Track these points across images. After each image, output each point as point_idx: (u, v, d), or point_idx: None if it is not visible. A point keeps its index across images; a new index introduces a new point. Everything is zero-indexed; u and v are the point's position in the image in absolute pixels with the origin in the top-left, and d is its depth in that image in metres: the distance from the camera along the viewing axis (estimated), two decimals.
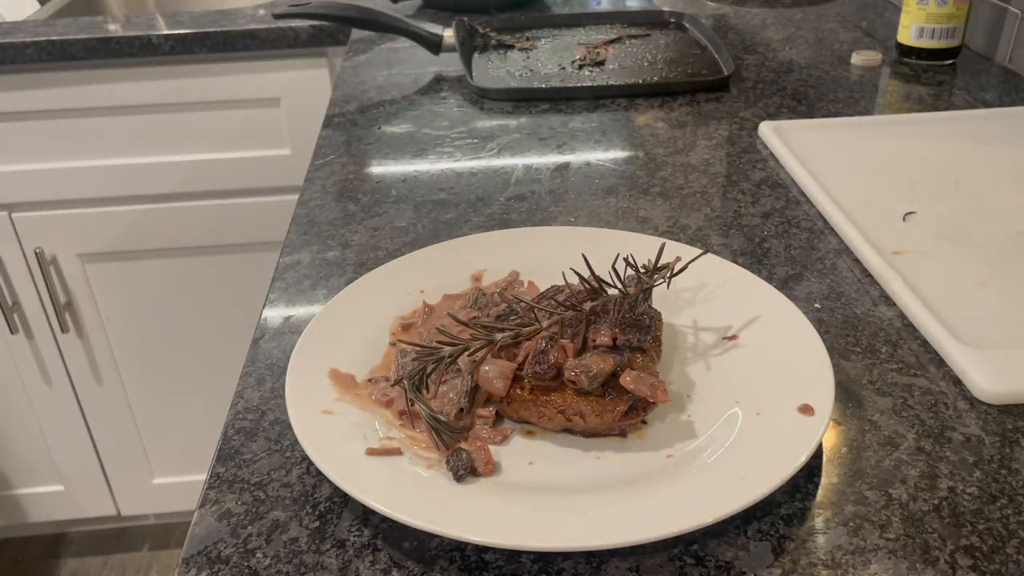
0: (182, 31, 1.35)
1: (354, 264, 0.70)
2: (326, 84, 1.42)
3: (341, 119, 0.99)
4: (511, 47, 1.22)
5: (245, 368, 0.58)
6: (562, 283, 0.57)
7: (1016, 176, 0.81)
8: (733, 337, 0.57)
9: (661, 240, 0.62)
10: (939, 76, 1.07)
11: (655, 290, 0.58)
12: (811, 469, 0.48)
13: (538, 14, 1.36)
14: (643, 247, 0.65)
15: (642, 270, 0.58)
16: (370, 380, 0.54)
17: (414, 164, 0.88)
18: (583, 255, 0.58)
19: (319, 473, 0.49)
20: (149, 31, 1.35)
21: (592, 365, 0.50)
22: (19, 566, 1.78)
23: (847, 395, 0.54)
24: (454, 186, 0.83)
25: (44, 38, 1.33)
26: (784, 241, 0.72)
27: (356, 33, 1.31)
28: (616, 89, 1.04)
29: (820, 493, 0.47)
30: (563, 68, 1.12)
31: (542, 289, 0.62)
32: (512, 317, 0.54)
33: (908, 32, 1.09)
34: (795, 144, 0.87)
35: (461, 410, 0.51)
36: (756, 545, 0.44)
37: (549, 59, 1.16)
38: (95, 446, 1.65)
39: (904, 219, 0.73)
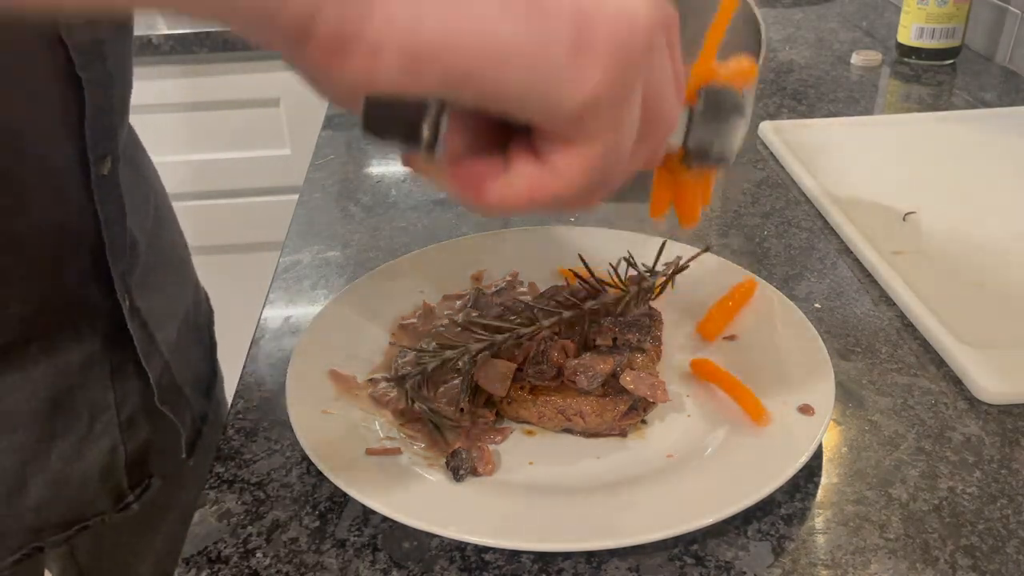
0: (182, 31, 1.35)
1: (354, 264, 0.70)
2: None
3: (341, 119, 0.99)
4: None
5: (245, 368, 0.58)
6: (562, 283, 0.57)
7: (1016, 176, 0.81)
8: (733, 337, 0.57)
9: (661, 239, 0.61)
10: (939, 76, 1.07)
11: (654, 290, 0.58)
12: (811, 469, 0.48)
13: None
14: (643, 247, 0.65)
15: (642, 268, 0.58)
16: (370, 380, 0.54)
17: None
18: (580, 255, 0.58)
19: (319, 473, 0.49)
20: (149, 31, 1.35)
21: (592, 365, 0.50)
22: None
23: (847, 395, 0.54)
24: None
25: None
26: (784, 241, 0.72)
27: None
28: None
29: (820, 493, 0.47)
30: None
31: (542, 289, 0.62)
32: (512, 317, 0.54)
33: (908, 32, 1.08)
34: (795, 144, 0.86)
35: (461, 410, 0.51)
36: (756, 545, 0.44)
37: None
38: None
39: (904, 219, 0.73)
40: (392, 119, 0.29)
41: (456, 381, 0.52)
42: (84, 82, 0.50)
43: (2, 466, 0.54)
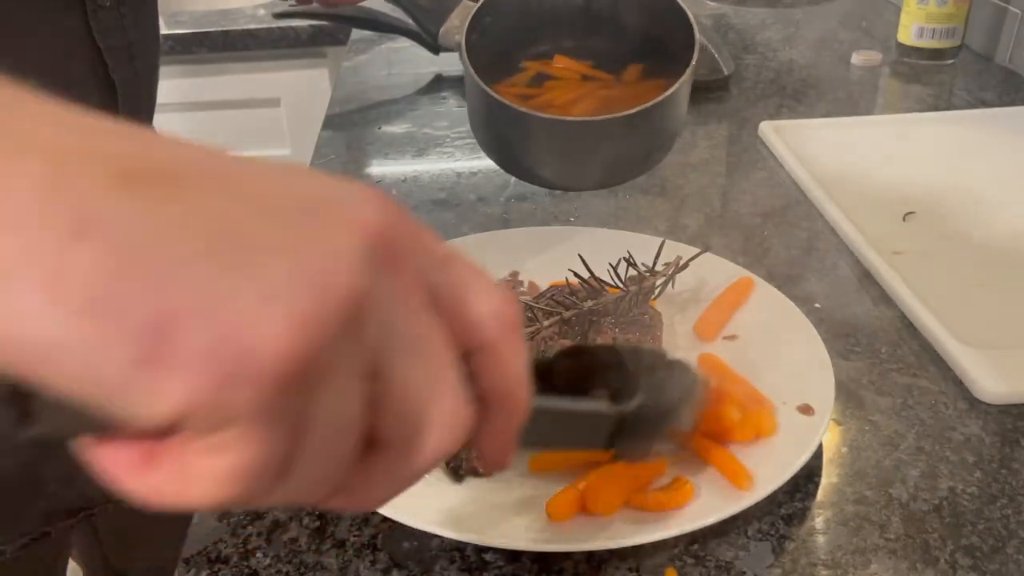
0: (182, 31, 1.35)
1: None
2: (326, 84, 1.42)
3: (341, 119, 0.99)
4: None
5: None
6: (562, 283, 0.57)
7: (1016, 176, 0.81)
8: (733, 337, 0.57)
9: (660, 239, 0.61)
10: (939, 76, 1.07)
11: (654, 290, 0.58)
12: (811, 469, 0.48)
13: None
14: (643, 247, 0.65)
15: (642, 268, 0.58)
16: None
17: (414, 164, 0.87)
18: (580, 255, 0.58)
19: None
20: None
21: None
22: None
23: (847, 395, 0.54)
24: (454, 186, 0.82)
25: None
26: (784, 241, 0.72)
27: (356, 33, 1.31)
28: None
29: (820, 493, 0.47)
30: None
31: (542, 289, 0.62)
32: None
33: (908, 32, 1.08)
34: (795, 144, 0.86)
35: None
36: (756, 545, 0.44)
37: None
38: None
39: (904, 219, 0.73)
40: None
41: None
42: (117, 84, 0.51)
43: (27, 459, 0.55)
